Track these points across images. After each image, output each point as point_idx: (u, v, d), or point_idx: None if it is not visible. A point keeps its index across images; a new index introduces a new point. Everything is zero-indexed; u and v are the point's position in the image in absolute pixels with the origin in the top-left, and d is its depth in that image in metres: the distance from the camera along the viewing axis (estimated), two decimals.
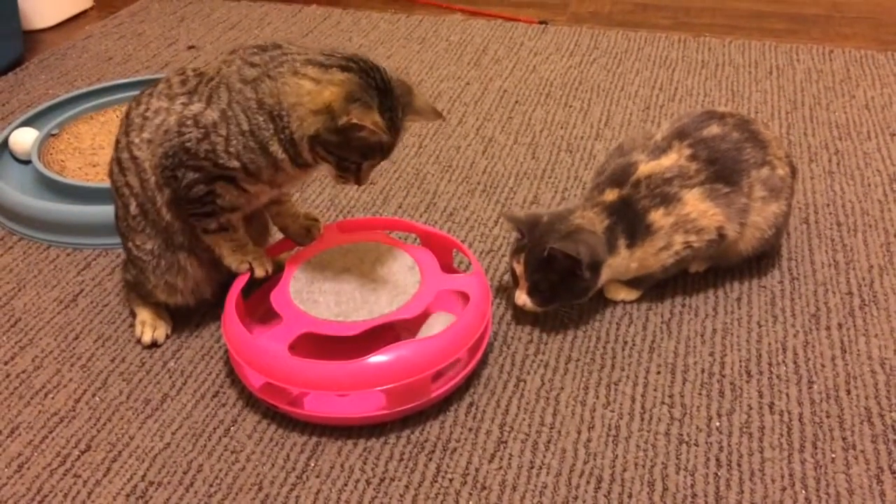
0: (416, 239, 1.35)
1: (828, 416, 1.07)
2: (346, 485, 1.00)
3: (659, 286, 1.27)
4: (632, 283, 1.25)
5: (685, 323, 1.22)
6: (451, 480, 1.00)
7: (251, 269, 1.15)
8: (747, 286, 1.29)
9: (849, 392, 1.10)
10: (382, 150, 1.05)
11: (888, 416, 1.06)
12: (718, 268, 1.30)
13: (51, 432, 1.09)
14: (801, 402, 1.09)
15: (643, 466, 1.01)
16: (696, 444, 1.03)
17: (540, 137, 1.70)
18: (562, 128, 1.73)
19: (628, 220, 1.18)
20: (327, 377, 1.03)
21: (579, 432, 1.06)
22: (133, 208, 1.14)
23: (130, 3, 2.44)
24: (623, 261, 1.19)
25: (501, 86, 1.91)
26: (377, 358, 1.02)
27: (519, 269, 1.19)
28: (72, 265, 1.39)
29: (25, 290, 1.34)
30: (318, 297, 1.11)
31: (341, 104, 1.00)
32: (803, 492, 0.97)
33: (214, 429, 1.08)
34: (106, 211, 1.40)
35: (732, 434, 1.05)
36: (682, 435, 1.05)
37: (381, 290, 1.11)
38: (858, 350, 1.16)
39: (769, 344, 1.18)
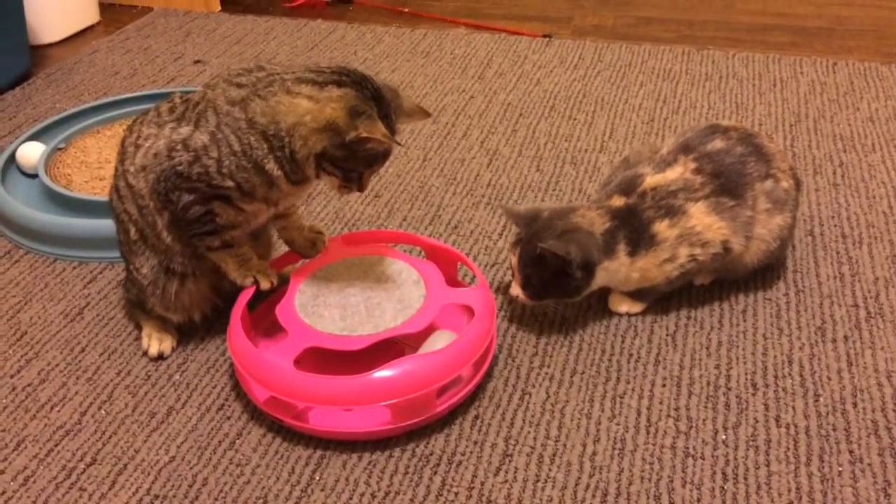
0: (420, 252, 1.35)
1: (834, 430, 1.06)
2: (350, 498, 1.00)
3: (664, 299, 1.27)
4: (636, 295, 1.25)
5: (690, 335, 1.22)
6: (456, 494, 1.00)
7: (256, 283, 1.15)
8: (753, 299, 1.28)
9: (855, 405, 1.10)
10: (385, 157, 1.07)
11: (895, 428, 1.06)
12: (724, 280, 1.30)
13: (56, 445, 1.09)
14: (807, 415, 1.08)
15: (649, 480, 1.01)
16: (702, 458, 1.03)
17: (544, 150, 1.70)
18: (566, 140, 1.73)
19: (632, 228, 1.18)
20: (332, 392, 1.03)
21: (585, 445, 1.05)
22: (133, 234, 1.16)
23: (137, 18, 2.46)
24: (622, 268, 1.19)
25: (506, 99, 1.91)
26: (382, 373, 1.02)
27: (514, 261, 1.19)
28: (78, 278, 1.39)
29: (32, 303, 1.34)
30: (323, 311, 1.11)
31: (346, 120, 1.00)
32: None
33: (219, 442, 1.08)
34: (112, 225, 1.41)
35: (738, 447, 1.04)
36: (687, 448, 1.04)
37: (386, 303, 1.12)
38: (865, 363, 1.16)
39: (775, 357, 1.18)
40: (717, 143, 1.23)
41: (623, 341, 1.22)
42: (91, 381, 1.18)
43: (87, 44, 2.32)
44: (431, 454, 1.05)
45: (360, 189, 1.09)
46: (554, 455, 1.04)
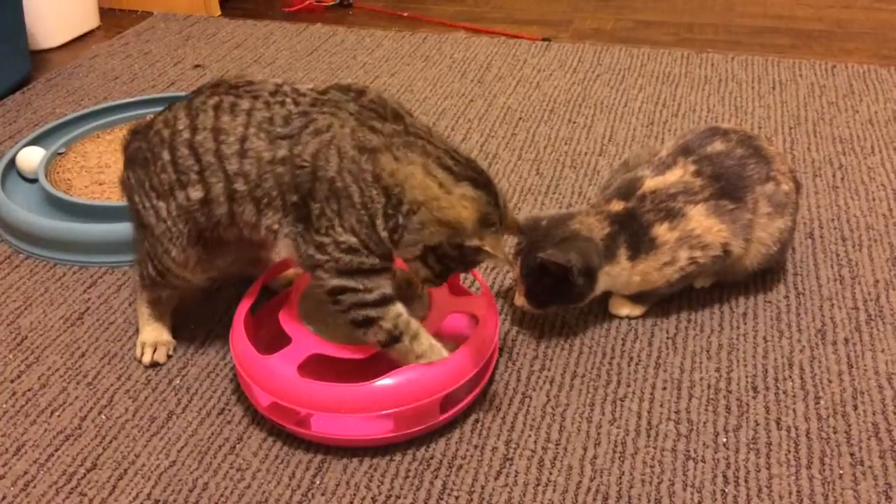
0: None
1: (835, 432, 1.06)
2: (351, 503, 1.00)
3: (664, 302, 1.27)
4: (636, 298, 1.25)
5: (691, 338, 1.22)
6: (457, 498, 1.00)
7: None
8: (753, 301, 1.28)
9: (856, 407, 1.10)
10: (479, 264, 1.05)
11: None
12: (724, 283, 1.30)
13: (56, 450, 1.09)
14: (808, 417, 1.08)
15: (650, 483, 1.00)
16: (703, 461, 1.03)
17: (544, 154, 1.70)
18: (566, 144, 1.74)
19: (632, 232, 1.18)
20: (335, 399, 1.03)
21: (585, 449, 1.05)
22: (197, 194, 1.05)
23: (137, 23, 2.46)
24: (623, 272, 1.19)
25: (505, 102, 1.92)
26: (385, 381, 1.02)
27: (516, 272, 1.20)
28: (78, 283, 1.39)
29: (32, 307, 1.34)
30: (326, 318, 1.11)
31: (475, 227, 0.97)
32: None
33: (220, 446, 1.08)
34: (112, 229, 1.41)
35: (739, 450, 1.04)
36: (688, 451, 1.04)
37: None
38: (865, 365, 1.16)
39: (775, 359, 1.18)
40: (717, 146, 1.23)
41: (623, 344, 1.22)
42: (91, 386, 1.18)
43: (88, 48, 2.32)
44: (432, 458, 1.05)
45: (440, 284, 1.05)
46: (555, 458, 1.04)
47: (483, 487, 1.01)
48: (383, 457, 1.05)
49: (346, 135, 0.99)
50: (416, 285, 1.14)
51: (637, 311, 1.26)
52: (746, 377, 1.15)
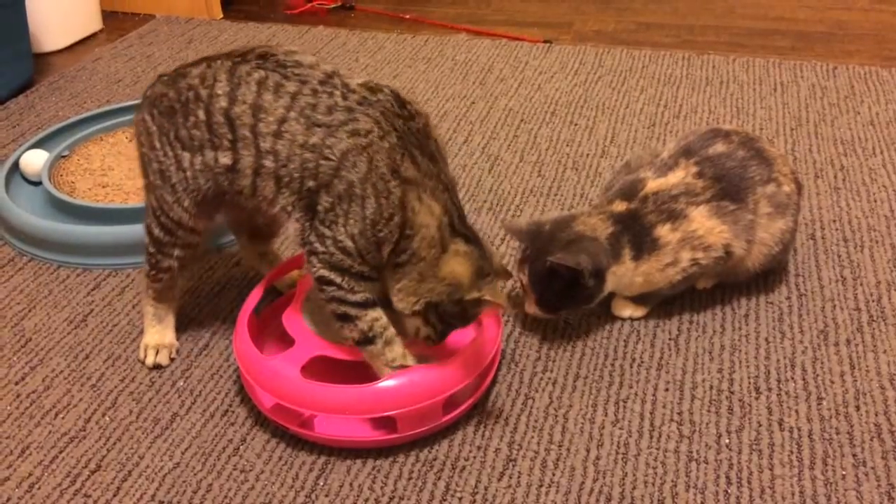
0: None
1: (837, 433, 1.06)
2: None
3: (666, 303, 1.27)
4: (639, 299, 1.26)
5: (693, 340, 1.22)
6: (460, 499, 1.00)
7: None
8: (755, 302, 1.29)
9: (858, 408, 1.10)
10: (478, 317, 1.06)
11: None
12: (726, 284, 1.30)
13: (61, 452, 1.09)
14: (810, 418, 1.08)
15: (652, 484, 1.01)
16: (706, 462, 1.03)
17: (546, 155, 1.71)
18: (567, 145, 1.74)
19: (635, 233, 1.18)
20: (339, 401, 1.03)
21: (588, 450, 1.06)
22: (228, 159, 1.05)
23: (139, 26, 2.47)
24: (628, 272, 1.19)
25: (507, 104, 1.92)
26: (388, 382, 1.02)
27: (524, 280, 1.19)
28: (82, 285, 1.40)
29: (36, 310, 1.35)
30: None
31: (472, 280, 0.99)
32: None
33: (224, 448, 1.08)
34: (115, 231, 1.42)
35: (742, 451, 1.04)
36: (691, 452, 1.04)
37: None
38: (867, 366, 1.16)
39: (777, 360, 1.18)
40: (719, 147, 1.23)
41: (626, 346, 1.22)
42: (95, 388, 1.19)
43: (90, 51, 2.33)
44: (435, 459, 1.05)
45: (440, 342, 1.06)
46: (557, 460, 1.04)
47: (486, 489, 1.01)
48: (386, 458, 1.06)
49: (383, 149, 0.98)
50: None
51: (640, 312, 1.26)
52: (749, 378, 1.15)
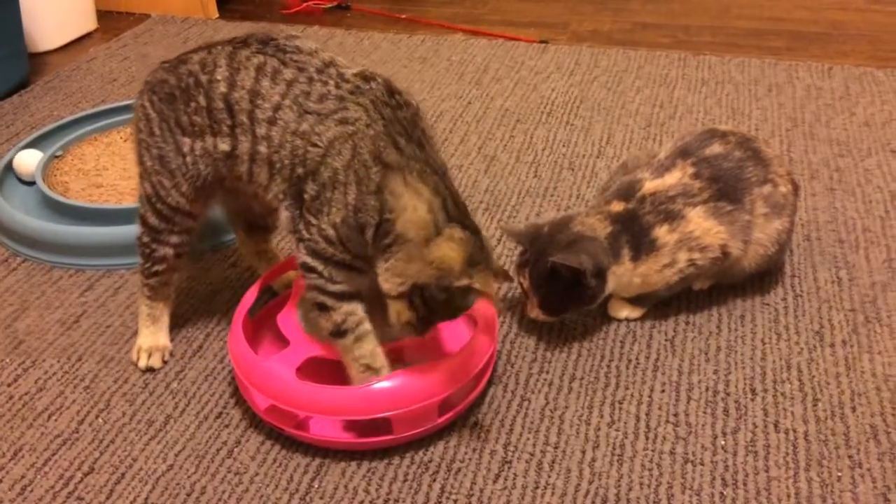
0: None
1: (833, 434, 1.06)
2: None
3: (663, 304, 1.27)
4: (635, 300, 1.25)
5: (689, 341, 1.22)
6: (455, 501, 1.00)
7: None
8: (751, 304, 1.28)
9: (854, 409, 1.10)
10: (467, 310, 1.03)
11: (894, 433, 1.06)
12: (722, 285, 1.30)
13: (54, 455, 1.08)
14: (806, 419, 1.08)
15: (648, 486, 1.00)
16: (702, 464, 1.03)
17: (542, 156, 1.70)
18: (564, 146, 1.74)
19: (633, 233, 1.18)
20: (334, 402, 1.03)
21: (584, 452, 1.05)
22: (224, 145, 1.06)
23: (134, 26, 2.46)
24: (627, 272, 1.19)
25: (503, 105, 1.92)
26: (384, 384, 1.02)
27: (526, 283, 1.19)
28: (75, 286, 1.39)
29: (29, 311, 1.34)
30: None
31: (462, 267, 0.96)
32: None
33: (218, 450, 1.08)
34: (109, 232, 1.41)
35: (738, 453, 1.04)
36: (687, 454, 1.04)
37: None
38: (863, 367, 1.16)
39: (773, 361, 1.18)
40: (716, 148, 1.23)
41: (622, 347, 1.22)
42: (88, 390, 1.18)
43: (85, 51, 2.32)
44: (430, 461, 1.05)
45: (422, 333, 1.02)
46: (553, 461, 1.04)
47: (482, 491, 1.01)
48: (381, 460, 1.05)
49: (368, 136, 0.99)
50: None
51: (636, 313, 1.26)
52: (745, 379, 1.15)
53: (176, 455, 1.07)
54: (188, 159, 1.08)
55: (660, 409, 1.11)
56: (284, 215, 1.05)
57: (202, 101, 1.06)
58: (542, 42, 2.24)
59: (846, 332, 1.22)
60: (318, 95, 1.01)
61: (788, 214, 1.25)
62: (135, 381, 1.19)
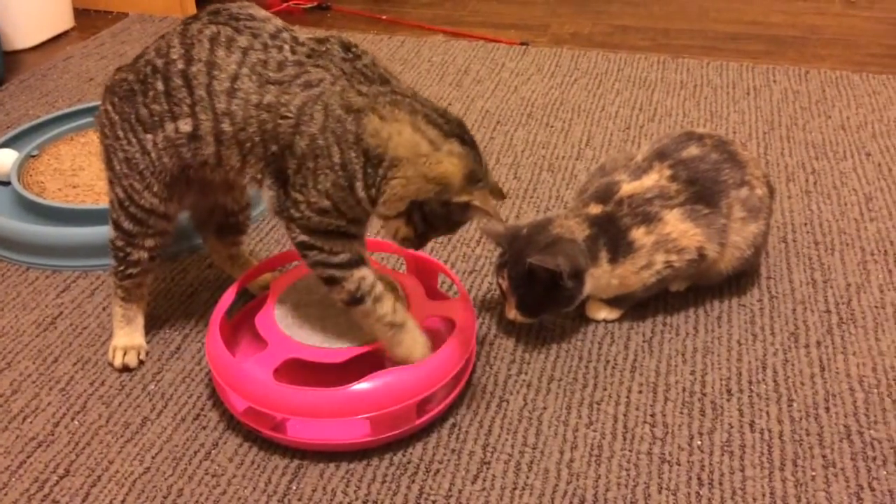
0: (400, 261, 1.35)
1: (808, 434, 1.07)
2: None
3: (640, 305, 1.28)
4: (613, 302, 1.26)
5: (666, 342, 1.23)
6: (434, 502, 1.00)
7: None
8: (727, 305, 1.30)
9: (828, 410, 1.11)
10: (464, 224, 1.04)
11: (867, 433, 1.07)
12: (699, 287, 1.31)
13: (28, 457, 1.07)
14: (780, 420, 1.10)
15: (626, 486, 1.01)
16: (678, 464, 1.04)
17: (522, 157, 1.71)
18: (543, 148, 1.74)
19: (611, 235, 1.19)
20: (312, 404, 1.02)
21: (562, 452, 1.06)
22: (187, 126, 1.04)
23: (111, 24, 2.44)
24: (604, 275, 1.20)
25: (483, 106, 1.92)
26: (362, 385, 1.02)
27: (504, 284, 1.19)
28: (51, 287, 1.37)
29: (4, 312, 1.32)
30: (303, 322, 1.10)
31: (462, 183, 0.96)
32: None
33: (195, 452, 1.07)
34: (85, 233, 1.40)
35: (714, 453, 1.05)
36: (663, 454, 1.05)
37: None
38: (837, 368, 1.18)
39: (749, 362, 1.19)
40: (693, 151, 1.24)
41: (600, 348, 1.22)
42: (64, 392, 1.17)
43: (62, 50, 2.30)
44: (409, 462, 1.05)
45: (419, 247, 1.05)
46: (531, 462, 1.05)
47: (460, 492, 1.01)
48: (360, 462, 1.05)
49: (335, 93, 0.98)
50: (397, 290, 1.14)
51: (614, 314, 1.27)
52: (721, 380, 1.16)
53: (153, 457, 1.06)
54: (153, 155, 1.07)
55: (637, 409, 1.12)
56: (268, 195, 1.04)
57: (160, 85, 1.04)
58: (522, 44, 2.25)
59: (821, 333, 1.24)
60: (276, 63, 1.00)
61: (764, 217, 1.26)
62: (111, 382, 1.18)
